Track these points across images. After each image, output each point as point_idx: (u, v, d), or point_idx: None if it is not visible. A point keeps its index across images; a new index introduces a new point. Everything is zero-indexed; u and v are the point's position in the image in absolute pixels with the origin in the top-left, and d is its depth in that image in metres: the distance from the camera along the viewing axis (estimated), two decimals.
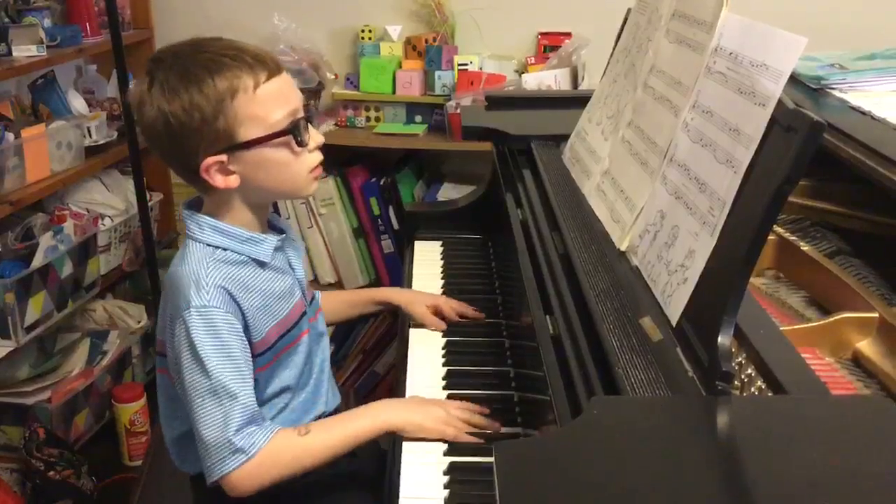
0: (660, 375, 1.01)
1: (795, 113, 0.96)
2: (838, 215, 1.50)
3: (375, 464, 1.45)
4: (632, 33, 1.58)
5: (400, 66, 2.78)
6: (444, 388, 1.45)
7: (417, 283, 1.82)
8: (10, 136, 2.31)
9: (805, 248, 1.39)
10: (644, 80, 1.42)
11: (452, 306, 1.66)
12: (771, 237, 1.42)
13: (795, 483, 0.83)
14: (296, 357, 1.36)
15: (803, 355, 1.06)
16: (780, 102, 0.99)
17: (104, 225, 2.70)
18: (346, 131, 2.79)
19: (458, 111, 2.56)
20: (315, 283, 2.81)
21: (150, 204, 2.74)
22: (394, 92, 2.77)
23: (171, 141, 1.24)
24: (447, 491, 1.19)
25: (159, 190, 3.05)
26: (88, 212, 2.67)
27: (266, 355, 1.31)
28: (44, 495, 2.30)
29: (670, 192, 1.20)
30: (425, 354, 1.55)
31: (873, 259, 1.37)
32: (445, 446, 1.27)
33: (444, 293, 1.75)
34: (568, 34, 2.74)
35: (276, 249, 1.33)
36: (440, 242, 1.99)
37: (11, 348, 2.28)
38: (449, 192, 2.76)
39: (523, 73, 2.71)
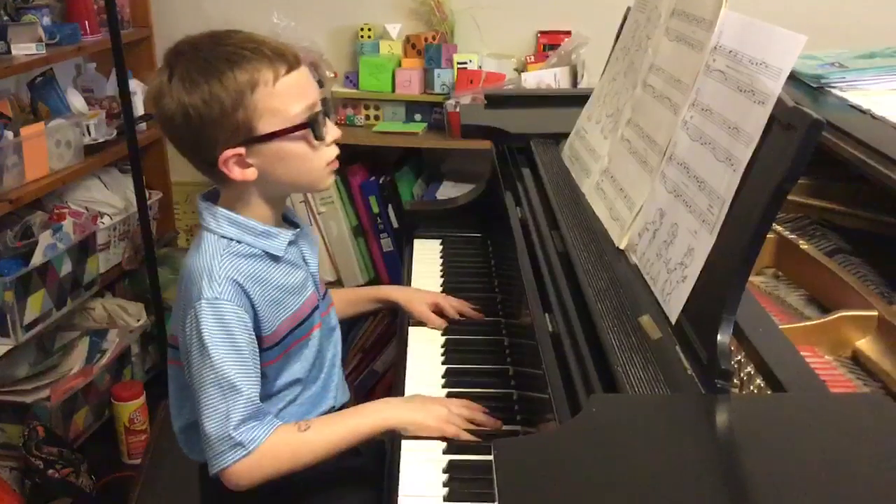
0: (659, 373, 1.01)
1: (795, 111, 0.96)
2: (838, 214, 1.50)
3: (376, 461, 1.45)
4: (631, 31, 1.58)
5: (399, 65, 2.78)
6: (444, 386, 1.45)
7: (417, 281, 1.82)
8: (10, 134, 2.30)
9: (804, 246, 1.39)
10: (643, 78, 1.42)
11: (452, 304, 1.66)
12: (770, 235, 1.42)
13: (794, 481, 0.83)
14: (307, 351, 1.37)
15: (802, 354, 1.06)
16: (779, 100, 0.99)
17: (103, 223, 2.70)
18: (346, 130, 2.78)
19: (458, 110, 2.56)
20: None
21: (149, 202, 2.75)
22: (393, 90, 2.77)
23: (190, 133, 1.24)
24: (446, 489, 1.19)
25: (158, 188, 3.05)
26: (87, 210, 2.66)
27: (277, 348, 1.31)
28: (43, 494, 2.31)
29: (669, 190, 1.20)
30: (424, 353, 1.55)
31: (873, 257, 1.37)
32: (445, 444, 1.27)
33: (443, 291, 1.75)
34: (567, 33, 2.74)
35: (291, 243, 1.34)
36: (439, 241, 1.99)
37: (10, 347, 2.28)
38: (448, 191, 2.76)
39: (523, 71, 2.71)
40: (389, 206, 2.75)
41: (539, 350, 1.22)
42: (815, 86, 1.67)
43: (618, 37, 1.66)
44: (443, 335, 1.60)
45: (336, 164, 1.33)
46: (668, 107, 1.28)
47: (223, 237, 1.28)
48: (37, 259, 2.35)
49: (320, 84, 2.72)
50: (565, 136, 1.74)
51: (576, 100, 1.79)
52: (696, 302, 1.04)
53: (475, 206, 2.04)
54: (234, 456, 1.21)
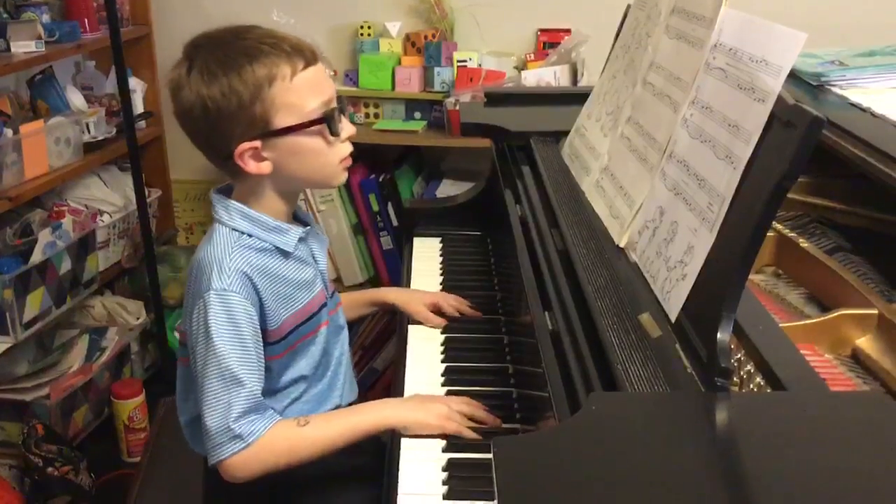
0: (658, 371, 1.01)
1: (795, 108, 0.96)
2: (838, 212, 1.50)
3: (375, 459, 1.45)
4: (631, 29, 1.58)
5: (399, 63, 2.77)
6: (443, 384, 1.45)
7: (416, 279, 1.82)
8: (9, 131, 2.30)
9: (804, 244, 1.39)
10: (643, 76, 1.42)
11: (450, 303, 1.66)
12: (770, 234, 1.42)
13: (794, 479, 0.83)
14: (313, 348, 1.37)
15: (802, 352, 1.06)
16: (779, 98, 0.99)
17: (103, 221, 2.70)
18: None
19: (458, 108, 2.55)
20: None
21: (148, 200, 2.74)
22: (393, 88, 2.77)
23: (207, 125, 1.25)
24: (446, 487, 1.19)
25: (158, 186, 3.05)
26: (87, 208, 2.66)
27: (282, 343, 1.32)
28: (42, 491, 2.31)
29: (669, 188, 1.20)
30: (424, 351, 1.55)
31: (873, 256, 1.36)
32: (444, 442, 1.27)
33: (443, 290, 1.75)
34: (567, 31, 2.73)
35: (301, 240, 1.34)
36: (439, 239, 1.99)
37: (10, 344, 2.28)
38: (448, 189, 2.76)
39: (523, 69, 2.70)
40: (389, 204, 2.75)
41: (539, 348, 1.22)
42: (815, 84, 1.67)
43: (618, 35, 1.66)
44: (442, 333, 1.60)
45: (349, 162, 1.34)
46: (668, 104, 1.28)
47: (234, 230, 1.29)
48: (36, 257, 2.34)
49: None
50: (565, 134, 1.73)
51: (576, 98, 1.79)
52: (695, 300, 1.04)
53: (475, 204, 2.04)
54: (233, 448, 1.21)
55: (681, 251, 1.10)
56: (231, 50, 1.24)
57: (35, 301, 2.33)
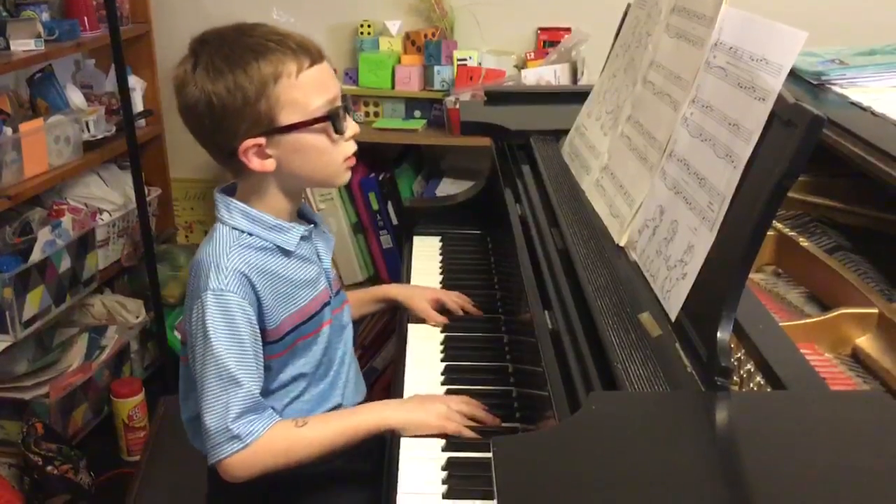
0: (658, 371, 1.01)
1: (795, 107, 0.96)
2: (838, 211, 1.50)
3: (374, 459, 1.44)
4: (631, 28, 1.58)
5: (399, 62, 2.77)
6: (443, 383, 1.44)
7: (416, 278, 1.82)
8: (8, 130, 2.30)
9: (805, 243, 1.39)
10: (643, 74, 1.42)
11: (454, 299, 1.66)
12: (770, 233, 1.42)
13: (794, 478, 0.83)
14: (314, 347, 1.37)
15: (802, 351, 1.06)
16: (780, 97, 0.99)
17: (102, 220, 2.70)
18: None
19: (458, 106, 2.55)
20: None
21: (148, 199, 2.74)
22: (393, 87, 2.77)
23: (211, 121, 1.25)
24: (445, 486, 1.18)
25: (157, 185, 3.05)
26: (87, 206, 2.66)
27: (281, 343, 1.31)
28: (42, 490, 2.31)
29: (669, 186, 1.20)
30: (424, 350, 1.55)
31: (873, 255, 1.36)
32: (444, 441, 1.27)
33: (442, 288, 1.75)
34: (567, 29, 2.73)
35: (304, 239, 1.34)
36: (439, 238, 1.99)
37: (9, 343, 2.28)
38: (448, 188, 2.76)
39: (522, 68, 2.70)
40: (389, 202, 2.75)
41: (538, 347, 1.22)
42: (815, 83, 1.67)
43: (618, 33, 1.66)
44: (442, 332, 1.60)
45: (353, 161, 1.34)
46: (668, 103, 1.28)
47: (235, 229, 1.29)
48: (36, 255, 2.34)
49: None
50: (565, 132, 1.73)
51: (576, 97, 1.79)
52: (695, 299, 1.04)
53: (475, 202, 2.04)
54: (231, 448, 1.21)
55: (681, 250, 1.10)
56: (237, 46, 1.24)
57: (34, 299, 2.33)
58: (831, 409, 0.95)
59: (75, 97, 2.70)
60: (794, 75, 1.68)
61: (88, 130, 2.63)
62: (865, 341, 1.19)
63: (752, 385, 1.03)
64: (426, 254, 1.93)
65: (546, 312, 1.28)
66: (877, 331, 1.19)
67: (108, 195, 2.78)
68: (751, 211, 0.97)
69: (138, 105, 2.82)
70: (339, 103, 1.29)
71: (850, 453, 0.87)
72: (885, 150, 1.27)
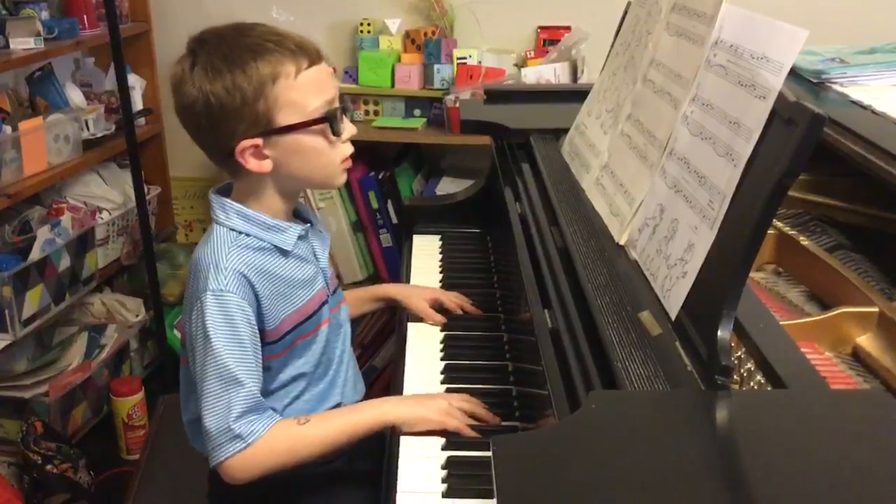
0: (659, 370, 1.01)
1: (796, 106, 0.95)
2: (838, 210, 1.49)
3: (374, 458, 1.44)
4: (631, 27, 1.57)
5: (399, 60, 2.77)
6: (443, 382, 1.44)
7: (416, 277, 1.82)
8: (8, 128, 2.30)
9: (805, 242, 1.39)
10: (644, 73, 1.42)
11: (452, 299, 1.66)
12: (771, 231, 1.42)
13: (794, 477, 0.83)
14: (313, 346, 1.37)
15: (803, 350, 1.06)
16: (780, 95, 0.99)
17: (102, 218, 2.70)
18: None
19: (457, 105, 2.55)
20: None
21: (147, 197, 2.74)
22: (392, 86, 2.76)
23: (209, 121, 1.24)
24: (445, 485, 1.18)
25: (157, 183, 3.05)
26: (86, 205, 2.66)
27: (281, 342, 1.31)
28: (41, 489, 2.30)
29: (670, 185, 1.20)
30: (423, 349, 1.55)
31: (873, 254, 1.36)
32: (443, 440, 1.27)
33: (442, 287, 1.75)
34: (567, 28, 2.73)
35: (301, 238, 1.34)
36: (439, 236, 1.99)
37: (9, 342, 2.28)
38: (448, 186, 2.76)
39: (522, 66, 2.70)
40: (389, 201, 2.75)
41: (538, 346, 1.21)
42: (815, 81, 1.67)
43: (618, 32, 1.66)
44: (442, 331, 1.60)
45: (350, 163, 1.34)
46: (668, 102, 1.28)
47: (232, 230, 1.29)
48: (35, 254, 2.34)
49: None
50: (565, 131, 1.73)
51: (576, 95, 1.79)
52: (696, 298, 1.04)
53: (474, 201, 2.04)
54: (233, 448, 1.21)
55: (681, 249, 1.10)
56: (236, 46, 1.23)
57: (34, 298, 2.33)
58: (832, 408, 0.94)
59: (75, 96, 2.69)
60: (795, 74, 1.68)
61: (88, 129, 2.63)
62: (866, 340, 1.19)
63: (752, 384, 1.03)
64: (426, 252, 1.93)
65: (546, 311, 1.27)
66: (877, 330, 1.19)
67: (107, 194, 2.78)
68: (751, 209, 0.97)
69: (138, 104, 2.82)
70: (336, 104, 1.28)
71: (851, 452, 0.87)
72: (885, 149, 1.27)
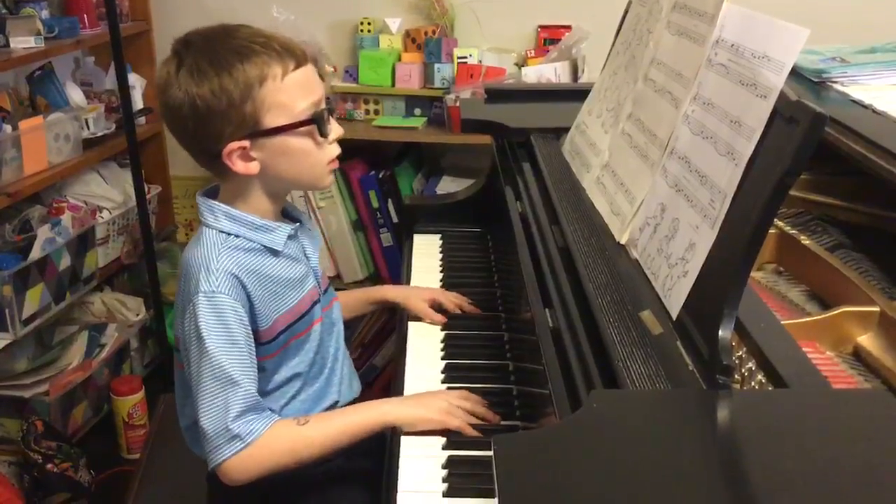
0: (660, 369, 1.01)
1: (797, 105, 0.95)
2: (839, 209, 1.49)
3: (374, 458, 1.44)
4: (632, 25, 1.57)
5: (399, 59, 2.77)
6: (443, 381, 1.44)
7: (416, 276, 1.82)
8: (8, 127, 2.30)
9: (806, 241, 1.39)
10: (644, 72, 1.42)
11: (450, 299, 1.66)
12: (771, 231, 1.41)
13: (796, 476, 0.83)
14: (307, 345, 1.36)
15: (804, 349, 1.05)
16: (782, 94, 0.99)
17: (102, 217, 2.70)
18: (345, 124, 2.76)
19: (458, 104, 2.55)
20: None
21: (148, 197, 2.74)
22: (393, 85, 2.76)
23: (195, 124, 1.24)
24: (446, 484, 1.18)
25: (157, 183, 3.05)
26: (86, 204, 2.66)
27: (274, 343, 1.31)
28: (42, 488, 2.30)
29: (671, 184, 1.20)
30: (424, 348, 1.55)
31: (874, 253, 1.36)
32: (444, 439, 1.27)
33: (443, 287, 1.75)
34: (568, 27, 2.73)
35: (290, 238, 1.34)
36: (439, 236, 1.99)
37: (9, 341, 2.28)
38: (448, 186, 2.76)
39: (523, 66, 2.70)
40: (389, 200, 2.75)
41: (539, 345, 1.21)
42: (816, 80, 1.66)
43: (619, 31, 1.65)
44: (442, 330, 1.60)
45: (336, 164, 1.34)
46: (669, 101, 1.28)
47: (221, 231, 1.29)
48: (35, 253, 2.34)
49: (321, 78, 2.71)
50: (566, 130, 1.73)
51: (576, 94, 1.79)
52: (697, 297, 1.04)
53: (475, 200, 2.04)
54: (232, 449, 1.20)
55: (682, 248, 1.10)
56: (222, 48, 1.23)
57: (34, 297, 2.33)
58: (833, 408, 0.94)
59: (75, 95, 2.69)
60: (795, 73, 1.68)
61: (88, 128, 2.63)
62: (867, 339, 1.19)
63: (753, 383, 1.03)
64: (426, 252, 1.93)
65: (547, 310, 1.27)
66: (878, 329, 1.19)
67: (107, 193, 2.78)
68: (752, 209, 0.97)
69: (138, 103, 2.82)
70: (323, 106, 1.28)
71: (852, 452, 0.87)
72: (886, 148, 1.27)
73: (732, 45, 1.13)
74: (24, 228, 2.42)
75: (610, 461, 0.86)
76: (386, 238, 2.78)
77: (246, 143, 1.24)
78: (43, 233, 2.38)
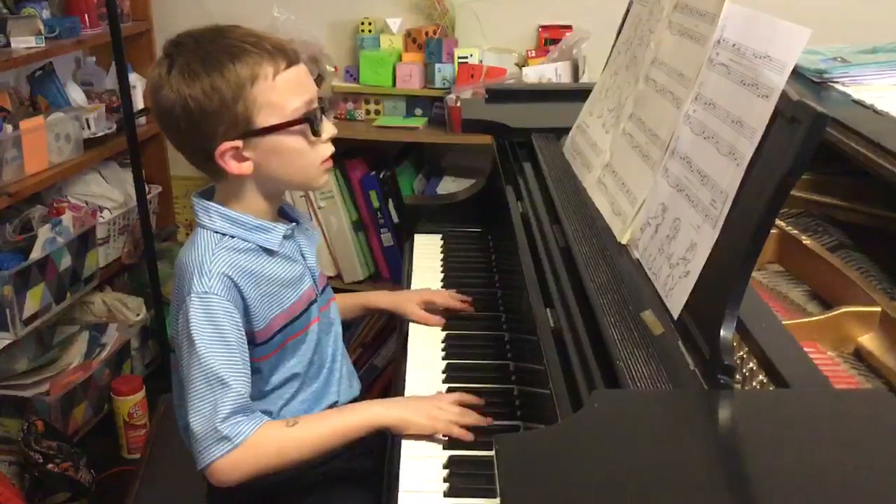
0: (661, 369, 1.01)
1: (799, 104, 0.95)
2: (840, 209, 1.49)
3: (375, 458, 1.44)
4: (633, 25, 1.57)
5: (400, 59, 2.77)
6: (444, 381, 1.44)
7: (417, 276, 1.82)
8: (9, 127, 2.30)
9: (807, 241, 1.39)
10: (646, 72, 1.41)
11: (441, 295, 1.65)
12: (773, 231, 1.41)
13: (797, 477, 0.83)
14: (304, 346, 1.36)
15: (805, 349, 1.05)
16: (783, 94, 0.99)
17: (103, 217, 2.70)
18: (346, 124, 2.78)
19: (459, 104, 2.55)
20: None
21: (148, 196, 2.74)
22: (394, 85, 2.76)
23: (188, 124, 1.24)
24: (447, 484, 1.18)
25: (158, 182, 3.05)
26: (87, 204, 2.66)
27: (270, 343, 1.31)
28: (42, 488, 2.30)
29: (672, 184, 1.19)
30: (425, 348, 1.55)
31: (875, 253, 1.36)
32: (445, 440, 1.27)
33: (443, 287, 1.75)
34: (569, 27, 2.73)
35: (287, 237, 1.33)
36: (440, 236, 1.99)
37: (10, 341, 2.28)
38: (449, 186, 2.76)
39: (524, 66, 2.70)
40: (390, 200, 2.74)
41: (540, 345, 1.21)
42: (817, 80, 1.66)
43: (620, 31, 1.65)
44: (443, 331, 1.60)
45: (330, 164, 1.33)
46: (670, 101, 1.28)
47: (216, 232, 1.29)
48: (36, 253, 2.34)
49: (321, 78, 2.71)
50: (567, 130, 1.73)
51: (577, 94, 1.79)
52: (698, 297, 1.04)
53: (476, 200, 2.03)
54: (220, 450, 1.20)
55: (683, 248, 1.10)
56: (213, 49, 1.23)
57: (35, 297, 2.33)
58: (834, 408, 0.94)
59: (76, 95, 2.70)
60: (796, 73, 1.68)
61: (89, 128, 2.63)
62: (868, 340, 1.19)
63: (754, 383, 1.03)
64: (427, 252, 1.93)
65: (548, 310, 1.27)
66: (879, 329, 1.19)
67: (108, 193, 2.78)
68: (754, 208, 0.97)
69: (139, 102, 2.82)
70: (316, 105, 1.28)
71: (854, 452, 0.86)
72: (887, 148, 1.27)
73: (734, 45, 1.13)
74: (24, 228, 2.42)
75: (611, 461, 0.86)
76: (386, 238, 2.78)
77: (238, 143, 1.24)
78: (43, 233, 2.38)
